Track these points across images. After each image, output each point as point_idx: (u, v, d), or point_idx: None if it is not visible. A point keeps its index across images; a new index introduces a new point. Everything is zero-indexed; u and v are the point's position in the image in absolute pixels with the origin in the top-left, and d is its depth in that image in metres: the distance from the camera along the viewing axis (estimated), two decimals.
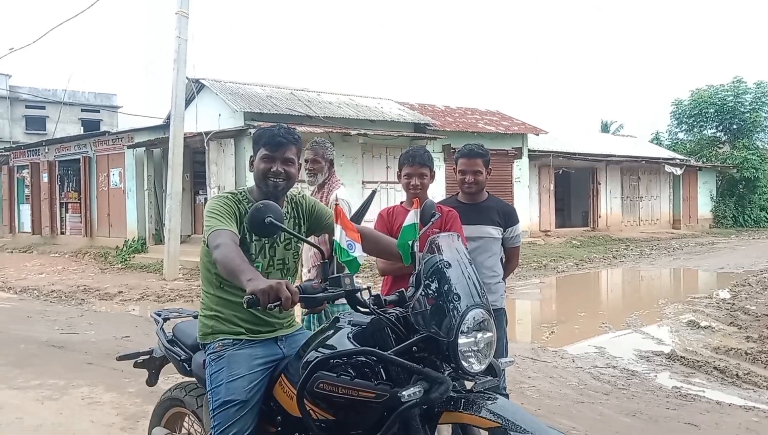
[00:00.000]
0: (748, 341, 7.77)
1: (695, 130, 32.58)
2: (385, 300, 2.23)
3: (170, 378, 4.21)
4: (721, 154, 30.78)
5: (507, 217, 3.80)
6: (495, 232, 3.73)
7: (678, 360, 6.96)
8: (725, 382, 6.24)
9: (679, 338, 8.21)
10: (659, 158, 27.61)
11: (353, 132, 16.11)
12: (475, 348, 2.04)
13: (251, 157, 2.65)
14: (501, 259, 3.84)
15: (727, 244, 22.16)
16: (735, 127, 31.01)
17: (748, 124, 30.61)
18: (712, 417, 5.04)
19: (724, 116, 31.05)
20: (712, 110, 31.13)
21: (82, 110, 34.00)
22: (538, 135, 21.67)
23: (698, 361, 6.84)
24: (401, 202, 3.66)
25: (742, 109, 30.80)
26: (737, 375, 6.36)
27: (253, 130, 2.87)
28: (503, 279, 3.84)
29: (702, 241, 23.05)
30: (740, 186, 30.02)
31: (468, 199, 3.80)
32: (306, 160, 4.28)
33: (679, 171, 26.79)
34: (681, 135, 33.89)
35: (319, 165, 4.27)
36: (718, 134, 32.12)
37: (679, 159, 28.42)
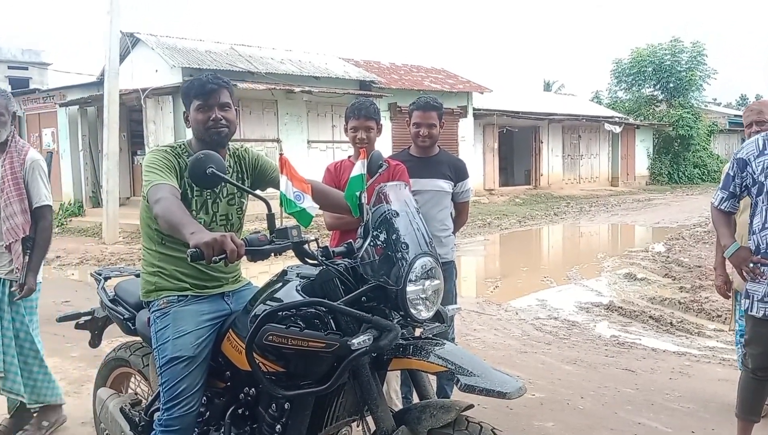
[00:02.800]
0: (681, 291, 8.13)
1: (634, 88, 33.30)
2: (333, 251, 2.22)
3: (114, 342, 4.11)
4: (658, 113, 31.65)
5: (458, 172, 3.80)
6: (446, 185, 3.73)
7: (616, 310, 7.23)
8: (660, 330, 6.53)
9: (617, 290, 8.54)
10: (599, 117, 28.21)
11: (297, 89, 15.81)
12: (423, 295, 2.05)
13: (185, 112, 2.55)
14: (451, 213, 3.86)
15: (663, 201, 22.97)
16: (672, 85, 31.83)
17: (684, 83, 31.47)
18: (648, 363, 5.27)
19: (661, 75, 31.80)
20: (650, 69, 31.83)
21: (9, 67, 32.18)
22: (482, 93, 21.77)
23: (635, 311, 7.13)
24: (349, 157, 3.62)
25: (679, 69, 31.59)
26: (671, 323, 6.67)
27: None
28: (453, 233, 3.87)
29: (639, 198, 23.83)
30: (675, 144, 31.02)
31: (420, 153, 3.77)
32: None
33: (617, 129, 27.45)
34: (620, 93, 34.62)
35: (2, 118, 3.53)
36: (655, 93, 32.92)
37: (618, 117, 29.10)
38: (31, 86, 26.72)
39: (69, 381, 4.65)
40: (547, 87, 42.98)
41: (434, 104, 3.72)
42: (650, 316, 6.89)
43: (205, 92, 2.45)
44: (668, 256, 10.61)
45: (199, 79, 2.49)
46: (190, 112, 2.50)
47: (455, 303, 3.65)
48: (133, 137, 16.79)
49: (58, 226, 15.02)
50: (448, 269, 3.63)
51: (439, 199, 3.71)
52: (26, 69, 32.55)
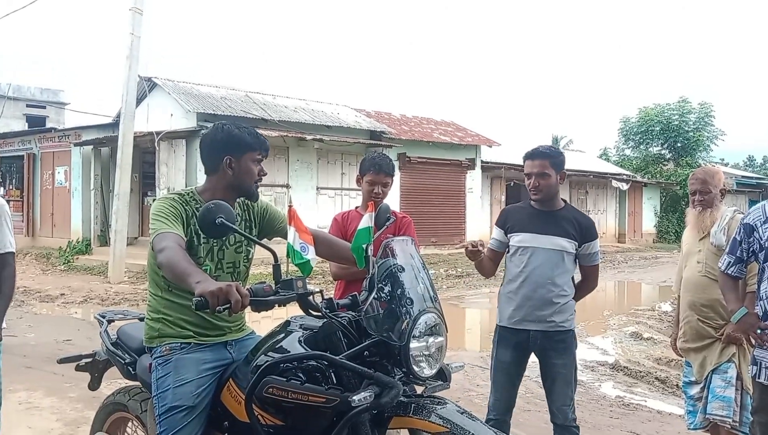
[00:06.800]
0: None
1: (642, 147, 33.57)
2: (337, 304, 2.22)
3: (113, 383, 4.08)
4: (666, 171, 31.79)
5: (584, 231, 3.43)
6: (569, 245, 3.38)
7: (621, 370, 7.12)
8: (666, 392, 6.41)
9: (623, 349, 8.41)
10: (606, 173, 28.34)
11: (309, 137, 16.04)
12: (427, 352, 2.04)
13: (227, 158, 2.47)
14: (572, 277, 3.49)
15: (670, 259, 22.81)
16: (679, 145, 32.06)
17: (692, 143, 31.71)
18: (653, 426, 5.17)
19: (669, 134, 32.08)
20: (658, 128, 32.14)
21: (28, 105, 32.82)
22: (491, 147, 21.97)
23: (640, 372, 7.01)
24: (356, 208, 3.65)
25: (687, 129, 31.89)
26: (677, 385, 6.52)
27: (205, 132, 2.71)
28: (575, 299, 3.53)
29: (646, 255, 23.71)
30: (683, 202, 31.01)
31: (541, 206, 3.48)
32: None
33: (625, 186, 27.55)
34: (628, 151, 34.90)
35: None
36: (663, 152, 33.16)
37: (626, 175, 29.23)
38: (48, 125, 27.24)
39: (65, 422, 4.61)
40: (556, 142, 43.29)
41: (544, 150, 3.45)
42: (656, 377, 6.78)
43: (265, 148, 2.57)
44: (674, 316, 10.48)
45: (257, 134, 2.57)
46: (243, 162, 2.49)
47: (575, 379, 3.54)
48: (145, 178, 16.99)
49: (64, 264, 15.09)
50: (567, 340, 3.45)
51: (559, 259, 3.37)
52: (44, 108, 33.23)
